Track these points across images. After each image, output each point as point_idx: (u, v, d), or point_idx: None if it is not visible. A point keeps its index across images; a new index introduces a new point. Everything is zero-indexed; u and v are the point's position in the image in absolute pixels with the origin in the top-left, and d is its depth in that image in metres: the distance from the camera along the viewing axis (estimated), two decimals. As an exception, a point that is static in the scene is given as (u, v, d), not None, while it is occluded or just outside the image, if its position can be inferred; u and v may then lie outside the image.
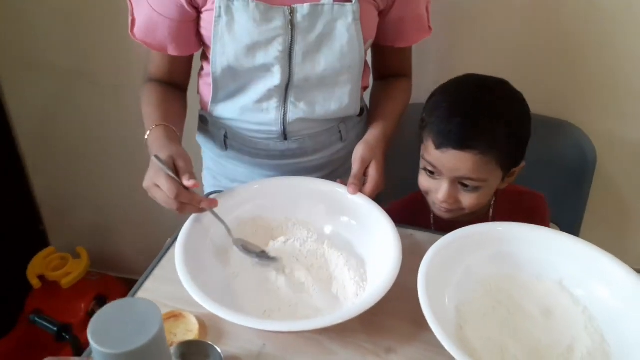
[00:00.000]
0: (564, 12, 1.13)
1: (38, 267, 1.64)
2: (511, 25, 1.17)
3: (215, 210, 0.81)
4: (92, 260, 1.71)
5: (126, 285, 1.81)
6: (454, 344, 0.62)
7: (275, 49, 0.87)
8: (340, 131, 1.02)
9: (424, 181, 0.93)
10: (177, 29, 0.90)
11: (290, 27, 0.86)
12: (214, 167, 1.08)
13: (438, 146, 0.86)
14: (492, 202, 1.01)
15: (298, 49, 0.88)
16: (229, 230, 0.81)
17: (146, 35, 0.92)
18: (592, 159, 1.17)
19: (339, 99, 0.96)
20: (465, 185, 0.88)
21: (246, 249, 0.81)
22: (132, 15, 0.91)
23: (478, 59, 1.22)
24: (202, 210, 0.80)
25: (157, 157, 0.79)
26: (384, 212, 0.82)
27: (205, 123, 1.03)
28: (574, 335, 0.71)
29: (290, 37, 0.87)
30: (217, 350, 0.67)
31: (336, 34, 0.88)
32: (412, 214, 1.02)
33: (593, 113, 1.21)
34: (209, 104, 0.98)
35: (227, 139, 1.01)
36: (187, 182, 0.77)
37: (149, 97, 0.95)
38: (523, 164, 0.93)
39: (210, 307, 0.66)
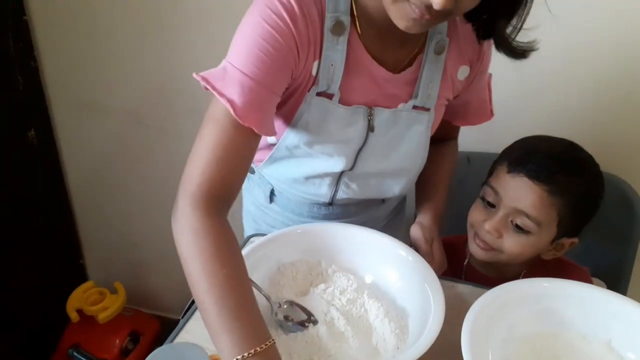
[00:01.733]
0: (614, 63, 1.13)
1: (77, 300, 1.67)
2: (559, 76, 1.19)
3: (257, 254, 0.83)
4: (127, 295, 1.74)
5: (159, 323, 1.82)
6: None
7: (349, 147, 0.87)
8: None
9: (476, 211, 0.93)
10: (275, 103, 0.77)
11: (367, 130, 0.85)
12: (256, 212, 1.08)
13: (510, 170, 0.86)
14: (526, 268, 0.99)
15: (368, 149, 0.88)
16: (268, 299, 0.79)
17: (254, 116, 0.72)
18: (641, 215, 1.14)
19: (391, 187, 0.96)
20: (517, 226, 0.87)
21: (286, 319, 0.78)
22: (225, 97, 0.70)
23: (525, 108, 1.23)
24: None
25: None
26: (426, 264, 0.82)
27: (252, 172, 1.02)
28: (624, 401, 0.68)
29: (364, 139, 0.86)
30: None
31: (406, 138, 0.88)
32: (449, 253, 1.02)
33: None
34: (262, 162, 0.94)
35: (273, 195, 1.01)
36: None
37: (212, 278, 0.65)
38: (576, 240, 0.92)
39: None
